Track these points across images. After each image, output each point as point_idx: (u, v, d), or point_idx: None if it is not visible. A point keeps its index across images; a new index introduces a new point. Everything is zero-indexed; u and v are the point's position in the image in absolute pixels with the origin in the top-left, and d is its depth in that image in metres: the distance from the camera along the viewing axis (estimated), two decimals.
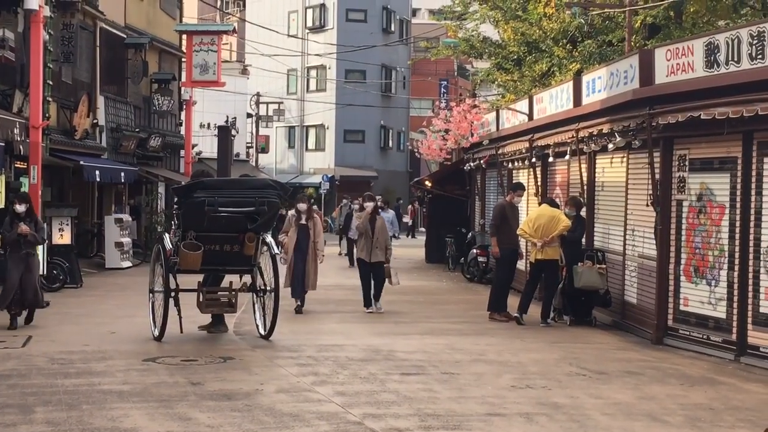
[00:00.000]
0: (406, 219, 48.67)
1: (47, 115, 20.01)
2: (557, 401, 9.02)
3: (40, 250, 16.73)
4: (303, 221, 16.14)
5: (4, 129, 16.75)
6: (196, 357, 11.30)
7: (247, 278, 13.18)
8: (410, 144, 42.76)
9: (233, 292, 12.93)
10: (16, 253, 13.48)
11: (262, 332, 12.90)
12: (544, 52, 26.20)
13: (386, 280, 16.37)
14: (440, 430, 7.82)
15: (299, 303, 16.05)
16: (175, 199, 13.25)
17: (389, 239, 16.91)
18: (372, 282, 16.37)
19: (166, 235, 13.04)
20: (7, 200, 18.97)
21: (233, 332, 13.55)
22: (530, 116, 20.10)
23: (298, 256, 15.94)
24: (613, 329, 14.50)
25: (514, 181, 18.77)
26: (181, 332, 12.47)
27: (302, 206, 16.23)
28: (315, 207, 18.71)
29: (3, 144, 16.04)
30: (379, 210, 17.27)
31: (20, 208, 13.59)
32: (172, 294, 12.42)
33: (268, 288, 12.83)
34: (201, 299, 12.76)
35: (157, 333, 12.47)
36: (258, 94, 52.93)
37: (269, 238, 12.91)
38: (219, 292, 13.11)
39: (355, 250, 17.50)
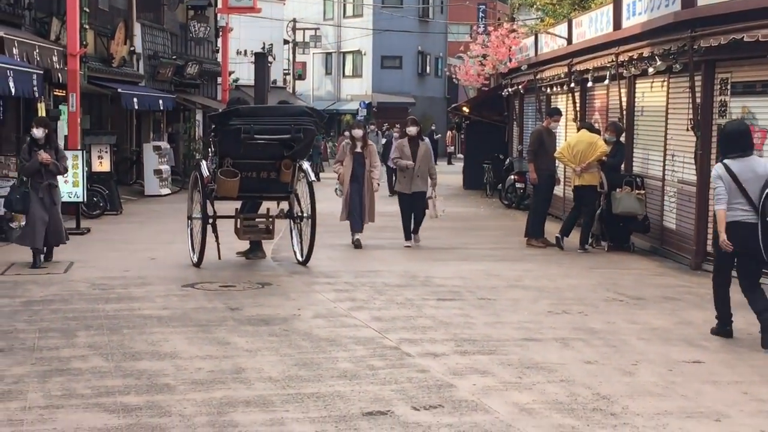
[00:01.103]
0: (450, 148, 48.47)
1: (84, 42, 20.03)
2: (593, 326, 9.02)
3: (80, 178, 16.87)
4: (358, 149, 14.97)
5: (42, 57, 16.81)
6: (234, 283, 11.40)
7: (284, 205, 13.27)
8: (448, 70, 42.39)
9: (270, 219, 13.00)
10: (36, 185, 12.27)
11: (300, 258, 13.00)
12: None
13: (428, 212, 15.27)
14: (476, 354, 7.86)
15: (357, 238, 15.03)
16: (212, 127, 13.30)
17: (434, 167, 15.49)
18: (412, 214, 15.23)
19: (204, 162, 13.09)
20: (50, 130, 19.15)
21: (271, 258, 13.65)
22: (569, 40, 19.85)
23: (354, 188, 14.87)
24: (652, 255, 14.44)
25: (551, 107, 18.59)
26: (219, 259, 12.62)
27: (358, 132, 15.07)
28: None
29: (42, 72, 16.09)
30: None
31: (38, 132, 12.40)
32: (210, 221, 12.52)
33: (305, 214, 12.89)
34: (238, 226, 12.86)
35: (195, 259, 12.61)
36: (294, 20, 52.64)
37: (306, 165, 12.94)
38: (256, 219, 13.19)
39: (394, 179, 16.04)
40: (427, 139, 16.30)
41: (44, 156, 12.21)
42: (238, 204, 13.36)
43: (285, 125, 12.46)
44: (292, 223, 13.33)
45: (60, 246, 12.94)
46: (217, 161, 12.65)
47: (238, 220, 12.91)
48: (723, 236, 8.29)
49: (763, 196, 8.15)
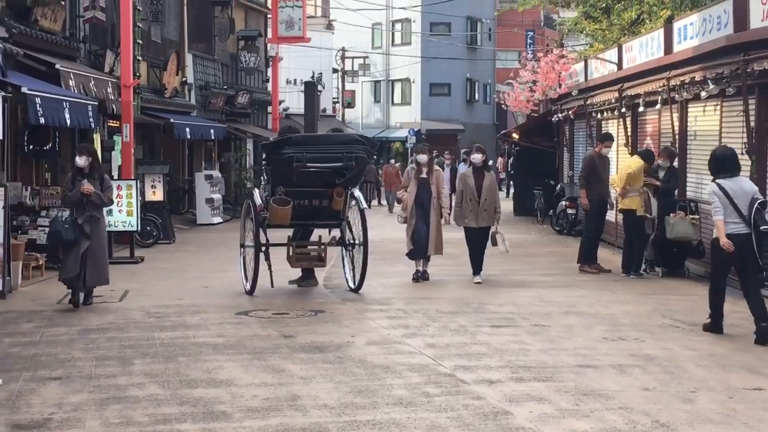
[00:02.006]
0: (502, 174, 48.30)
1: (137, 74, 20.31)
2: (650, 353, 8.93)
3: (134, 207, 17.04)
4: (423, 175, 14.04)
5: (97, 88, 17.05)
6: (287, 310, 11.45)
7: (336, 232, 13.32)
8: (496, 96, 42.42)
9: (322, 246, 13.09)
10: (80, 216, 11.48)
11: (352, 286, 13.03)
12: (633, 0, 25.65)
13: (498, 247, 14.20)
14: (532, 381, 7.81)
15: (420, 269, 14.06)
16: (264, 156, 13.41)
17: (499, 200, 14.31)
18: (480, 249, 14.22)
19: (256, 190, 13.25)
20: (102, 159, 19.40)
21: (323, 286, 13.68)
22: (619, 65, 19.76)
23: (419, 215, 13.92)
24: (706, 281, 14.18)
25: (603, 132, 18.47)
26: (272, 286, 12.69)
27: (423, 158, 14.14)
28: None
29: (96, 103, 16.32)
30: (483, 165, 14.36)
31: (81, 161, 11.57)
32: (263, 249, 12.60)
33: (357, 242, 12.94)
34: (291, 254, 12.97)
35: (248, 287, 12.70)
36: (343, 49, 52.94)
37: (357, 192, 13.04)
38: (308, 247, 13.28)
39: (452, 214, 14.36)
40: (492, 171, 14.97)
41: (86, 187, 11.41)
42: (291, 231, 13.44)
43: (337, 153, 12.55)
44: (344, 250, 13.37)
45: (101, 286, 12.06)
46: (269, 189, 12.76)
47: (291, 247, 13.00)
48: (724, 239, 9.56)
49: (753, 209, 9.58)
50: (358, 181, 13.42)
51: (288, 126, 15.28)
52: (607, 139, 15.86)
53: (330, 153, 12.57)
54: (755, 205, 9.61)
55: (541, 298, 12.40)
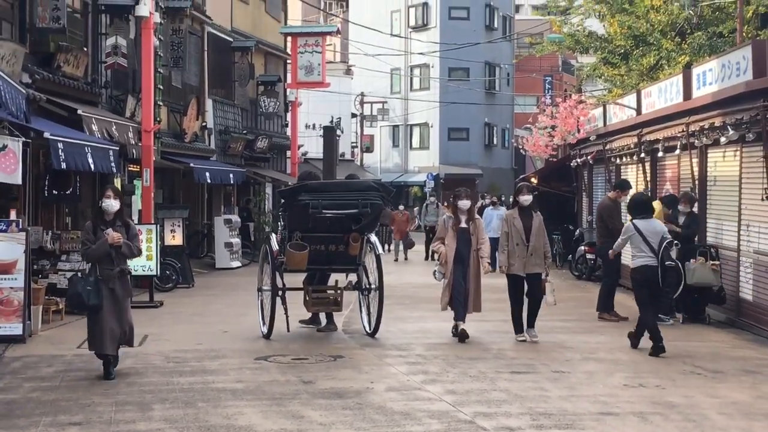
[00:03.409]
0: None
1: (158, 119, 20.48)
2: (672, 400, 8.85)
3: (153, 252, 17.08)
4: (463, 224, 12.68)
5: (119, 133, 17.20)
6: (306, 356, 11.42)
7: (353, 277, 13.39)
8: (515, 141, 42.42)
9: (339, 291, 13.18)
10: (105, 272, 9.92)
11: (368, 330, 13.06)
12: (651, 45, 25.77)
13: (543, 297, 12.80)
14: (552, 429, 7.75)
15: (462, 327, 12.67)
16: (281, 202, 13.53)
17: (548, 244, 13.03)
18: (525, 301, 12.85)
19: (273, 235, 13.33)
20: (122, 203, 19.50)
21: (342, 331, 13.65)
22: (638, 111, 19.80)
23: (458, 270, 12.59)
24: (728, 327, 14.17)
25: (621, 179, 18.42)
26: (288, 331, 12.76)
27: (465, 203, 12.68)
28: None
29: (118, 147, 16.45)
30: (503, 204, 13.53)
31: (113, 204, 10.08)
32: (279, 293, 12.68)
33: (373, 286, 12.99)
34: (308, 298, 13.06)
35: (265, 331, 12.73)
36: (362, 94, 53.28)
37: (374, 238, 13.10)
38: (326, 291, 13.36)
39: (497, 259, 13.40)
40: (503, 209, 14.56)
41: (114, 236, 9.84)
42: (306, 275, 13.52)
43: (353, 200, 12.71)
44: (360, 295, 13.42)
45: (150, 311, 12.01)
46: (286, 234, 12.86)
47: (307, 292, 13.10)
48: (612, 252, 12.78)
49: (662, 247, 11.52)
50: (374, 226, 13.50)
51: (308, 172, 15.30)
52: (627, 187, 15.77)
53: (346, 200, 12.72)
54: (664, 244, 11.57)
55: (561, 344, 12.34)
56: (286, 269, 12.81)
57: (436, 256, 12.96)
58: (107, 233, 9.85)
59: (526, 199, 12.78)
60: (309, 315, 13.67)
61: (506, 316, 13.06)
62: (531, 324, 12.76)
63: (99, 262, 9.96)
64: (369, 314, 13.17)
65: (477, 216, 13.11)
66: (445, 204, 29.11)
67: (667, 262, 11.56)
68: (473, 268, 12.60)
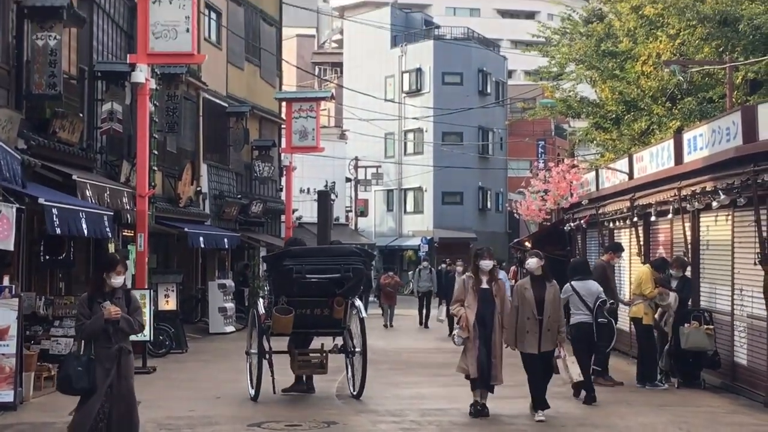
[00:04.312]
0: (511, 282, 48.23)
1: (153, 184, 20.51)
2: None
3: (147, 317, 17.01)
4: (485, 285, 11.69)
5: (113, 199, 17.24)
6: (300, 422, 11.36)
7: (340, 340, 13.68)
8: (509, 205, 42.56)
9: (324, 354, 13.46)
10: (102, 351, 8.66)
11: (353, 392, 13.25)
12: (642, 111, 26.00)
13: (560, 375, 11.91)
14: None
15: (480, 402, 11.76)
16: (266, 267, 13.85)
17: (563, 317, 11.96)
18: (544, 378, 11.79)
19: (260, 300, 13.66)
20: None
21: (335, 396, 13.60)
22: (630, 175, 19.91)
23: (481, 335, 11.54)
24: (723, 392, 14.13)
25: (614, 242, 18.48)
26: (274, 393, 13.01)
27: (486, 263, 11.68)
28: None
29: (112, 213, 16.49)
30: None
31: (117, 280, 8.85)
32: (266, 356, 12.93)
33: (358, 350, 13.26)
34: (294, 361, 13.35)
35: (253, 393, 12.93)
36: (356, 158, 53.55)
37: (358, 302, 13.45)
38: (311, 354, 13.66)
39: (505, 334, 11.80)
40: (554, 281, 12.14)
41: (112, 309, 8.63)
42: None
43: (335, 265, 13.13)
44: (346, 358, 13.65)
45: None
46: (273, 299, 13.24)
47: (293, 354, 13.38)
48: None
49: (595, 306, 13.03)
50: (357, 290, 13.74)
51: (293, 238, 15.76)
52: (619, 249, 15.94)
53: (328, 265, 13.15)
54: (598, 302, 13.06)
55: (556, 410, 12.26)
56: (272, 333, 13.10)
57: (455, 320, 11.91)
58: (104, 306, 8.63)
59: (533, 263, 11.73)
60: (291, 381, 13.81)
61: (507, 378, 12.18)
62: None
63: (94, 339, 8.68)
64: (353, 377, 13.41)
65: (500, 277, 12.11)
66: (450, 263, 28.86)
67: (599, 319, 13.14)
68: (497, 334, 11.56)
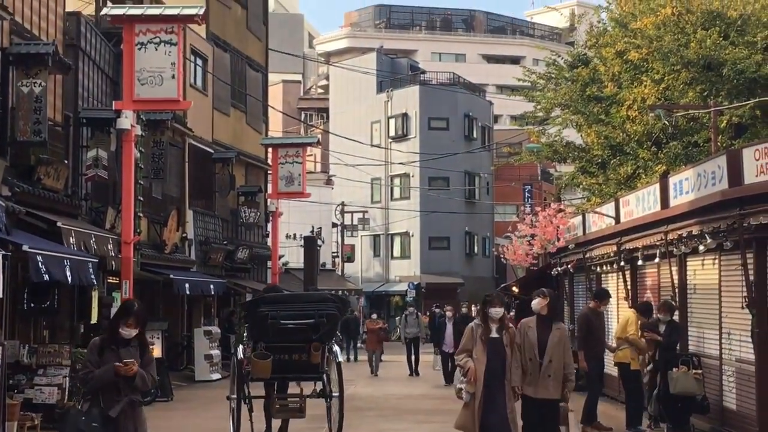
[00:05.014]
0: None
1: (138, 230, 20.47)
2: None
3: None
4: (494, 333, 10.56)
5: (98, 245, 17.16)
6: None
7: (319, 385, 13.73)
8: (496, 250, 42.61)
9: (302, 398, 13.57)
10: (110, 405, 7.78)
11: None
12: (628, 155, 26.10)
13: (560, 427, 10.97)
14: None
15: None
16: (243, 314, 13.99)
17: (571, 363, 10.91)
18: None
19: (240, 346, 13.76)
20: (100, 315, 19.35)
21: None
22: (617, 219, 19.93)
23: (490, 389, 10.38)
24: None
25: (600, 288, 18.35)
26: None
27: (497, 311, 10.56)
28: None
29: (97, 260, 16.39)
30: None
31: (129, 333, 7.96)
32: (245, 401, 13.09)
33: (335, 394, 13.35)
34: (272, 405, 13.54)
35: None
36: (343, 204, 53.60)
37: (336, 347, 13.61)
38: (289, 399, 13.84)
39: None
40: (561, 323, 11.65)
41: (130, 368, 7.74)
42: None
43: (309, 311, 13.26)
44: (325, 403, 13.68)
45: None
46: (251, 344, 13.38)
47: (271, 399, 13.56)
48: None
49: None
50: (332, 335, 13.91)
51: (271, 285, 16.01)
52: (606, 296, 15.73)
53: (302, 311, 13.29)
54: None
55: None
56: (252, 378, 13.26)
57: (459, 372, 10.82)
58: (125, 363, 7.73)
59: (537, 303, 10.96)
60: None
61: None
62: None
63: (102, 391, 7.82)
64: (330, 422, 13.51)
65: (511, 326, 10.89)
66: (441, 308, 28.49)
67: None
68: (508, 387, 10.43)
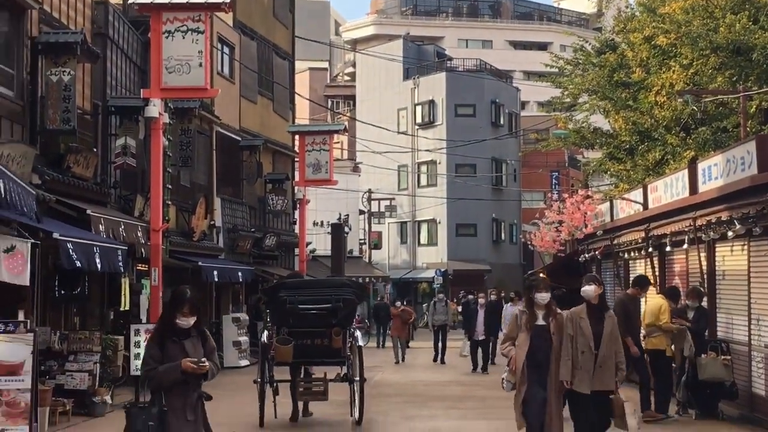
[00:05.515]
0: None
1: (167, 218, 20.57)
2: None
3: None
4: (540, 320, 10.10)
5: (127, 233, 17.27)
6: None
7: (334, 369, 14.31)
8: (523, 236, 42.52)
9: (325, 382, 14.12)
10: (177, 399, 7.40)
11: (355, 418, 13.83)
12: (656, 141, 25.97)
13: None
14: None
15: None
16: (264, 299, 14.48)
17: (622, 353, 10.23)
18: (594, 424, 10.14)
19: (266, 331, 14.32)
20: (131, 303, 19.49)
21: (350, 429, 13.55)
22: (645, 205, 19.86)
23: (533, 380, 9.91)
24: (741, 422, 13.98)
25: (642, 274, 17.70)
26: (275, 417, 13.96)
27: (543, 296, 10.07)
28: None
29: (126, 247, 16.51)
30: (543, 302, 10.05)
31: (186, 322, 7.48)
32: (270, 384, 13.88)
33: (356, 378, 13.81)
34: (296, 388, 14.18)
35: (259, 420, 13.75)
36: (370, 191, 53.61)
37: (358, 332, 14.14)
38: (313, 382, 14.44)
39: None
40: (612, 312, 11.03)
41: (200, 366, 7.34)
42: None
43: (326, 296, 13.84)
44: (349, 386, 14.06)
45: None
46: (274, 329, 13.92)
47: (296, 383, 14.21)
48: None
49: None
50: (351, 321, 14.37)
51: (292, 272, 16.52)
52: (647, 284, 15.03)
53: (320, 296, 13.88)
54: None
55: None
56: (277, 363, 13.80)
57: (504, 361, 10.56)
58: (195, 363, 7.30)
59: (590, 290, 10.17)
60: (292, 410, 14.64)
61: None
62: None
63: (166, 387, 7.35)
64: (353, 404, 13.95)
65: (559, 311, 10.24)
66: (474, 294, 27.71)
67: None
68: (554, 377, 9.90)
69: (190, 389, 7.32)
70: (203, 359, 7.23)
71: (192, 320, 7.37)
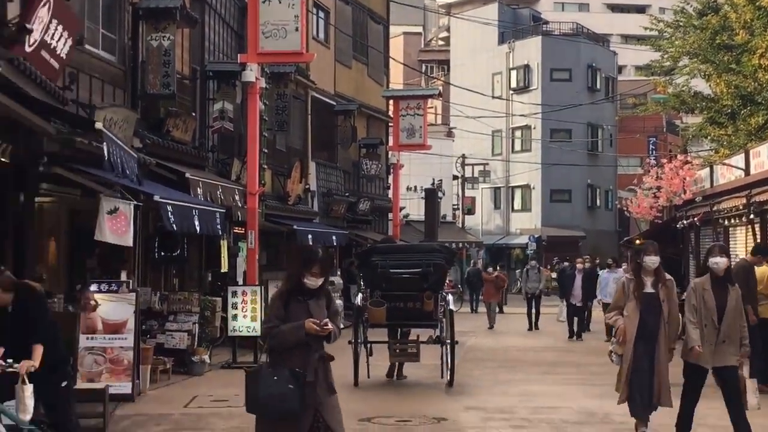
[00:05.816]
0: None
1: (263, 181, 20.81)
2: None
3: (258, 313, 17.20)
4: (649, 288, 9.55)
5: (224, 196, 17.53)
6: (410, 417, 11.39)
7: (432, 332, 14.52)
8: (618, 203, 41.96)
9: (418, 344, 14.52)
10: (298, 361, 7.04)
11: (446, 380, 14.11)
12: (760, 105, 25.31)
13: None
14: None
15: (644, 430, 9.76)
16: (357, 263, 15.70)
17: (746, 327, 9.38)
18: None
19: (360, 294, 14.62)
20: (229, 265, 19.80)
21: (443, 392, 13.61)
22: (747, 171, 19.41)
23: (641, 350, 9.50)
24: None
25: (758, 243, 16.97)
26: (369, 377, 14.19)
27: (652, 260, 9.53)
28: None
29: (224, 210, 16.75)
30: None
31: (314, 282, 7.10)
32: (365, 345, 14.23)
33: (447, 341, 14.04)
34: (390, 349, 14.62)
35: (353, 380, 13.98)
36: (463, 156, 53.39)
37: (449, 297, 14.45)
38: (408, 344, 14.77)
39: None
40: (621, 271, 10.27)
41: (314, 325, 6.96)
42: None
43: (416, 261, 14.18)
44: (441, 348, 14.33)
45: None
46: (367, 293, 14.27)
47: (390, 344, 14.63)
48: None
49: None
50: (442, 285, 14.66)
51: (387, 237, 16.83)
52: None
53: (410, 261, 14.24)
54: None
55: (672, 412, 12.00)
56: (370, 325, 14.22)
57: (613, 331, 10.05)
58: (308, 322, 6.96)
59: (719, 262, 9.20)
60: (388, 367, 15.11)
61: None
62: None
63: (290, 349, 7.05)
64: (444, 366, 14.28)
65: (669, 277, 9.71)
66: (576, 261, 26.90)
67: None
68: (663, 347, 9.48)
69: (312, 350, 7.04)
70: (326, 320, 6.99)
71: (320, 281, 7.08)
